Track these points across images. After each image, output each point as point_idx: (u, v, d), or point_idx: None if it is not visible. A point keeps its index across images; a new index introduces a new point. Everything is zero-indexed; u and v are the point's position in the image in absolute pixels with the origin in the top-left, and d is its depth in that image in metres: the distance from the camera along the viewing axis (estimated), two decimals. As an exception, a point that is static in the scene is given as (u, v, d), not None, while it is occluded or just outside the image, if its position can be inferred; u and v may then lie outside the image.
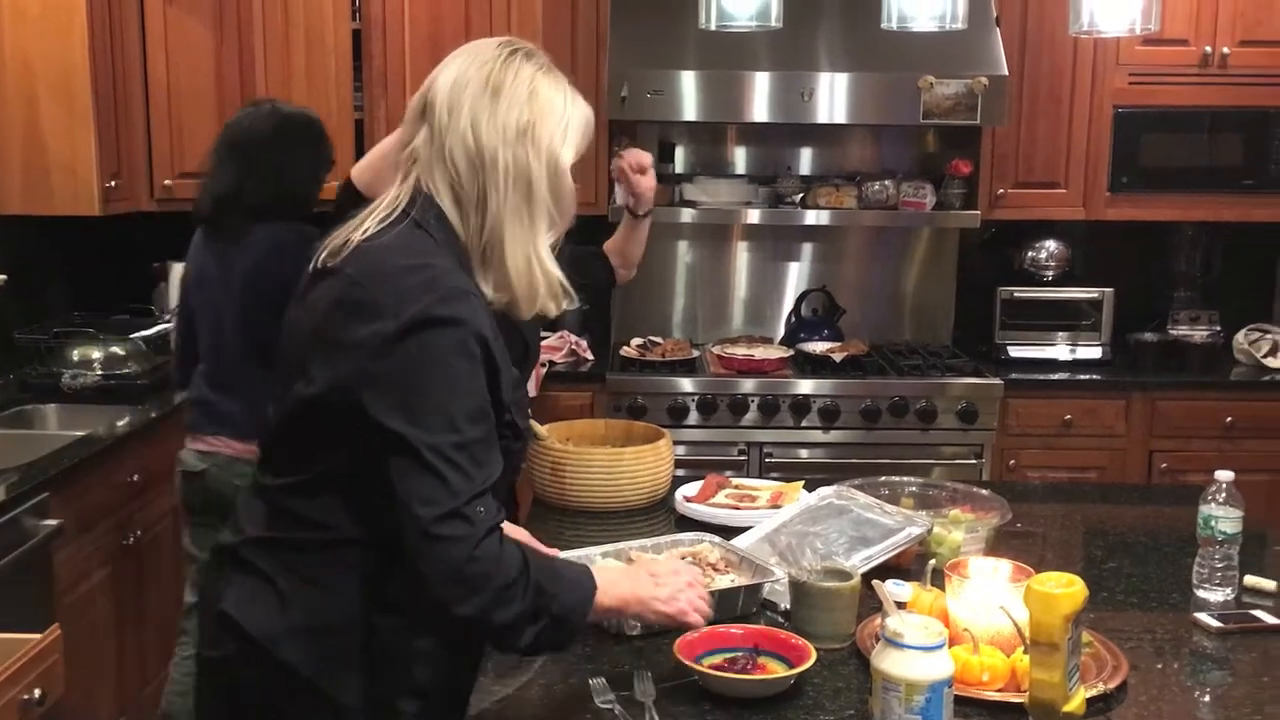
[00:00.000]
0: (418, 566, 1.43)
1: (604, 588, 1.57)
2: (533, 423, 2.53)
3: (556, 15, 4.04)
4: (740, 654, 1.68)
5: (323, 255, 1.54)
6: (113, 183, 3.63)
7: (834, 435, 3.87)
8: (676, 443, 3.74)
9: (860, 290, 4.43)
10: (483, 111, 1.52)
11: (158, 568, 3.30)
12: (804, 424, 3.86)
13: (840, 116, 3.83)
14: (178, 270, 3.87)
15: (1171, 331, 4.18)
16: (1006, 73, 3.79)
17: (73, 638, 2.77)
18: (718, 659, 1.68)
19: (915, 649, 1.44)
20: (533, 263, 1.55)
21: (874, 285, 4.46)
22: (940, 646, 1.45)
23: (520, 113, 1.53)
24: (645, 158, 2.56)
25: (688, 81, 3.79)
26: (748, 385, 3.86)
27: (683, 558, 2.00)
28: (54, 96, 3.49)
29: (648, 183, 2.57)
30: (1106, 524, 2.45)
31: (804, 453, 3.87)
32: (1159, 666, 1.76)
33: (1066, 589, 1.48)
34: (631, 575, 1.69)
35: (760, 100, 3.81)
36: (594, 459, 2.42)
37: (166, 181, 3.92)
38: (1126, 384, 3.94)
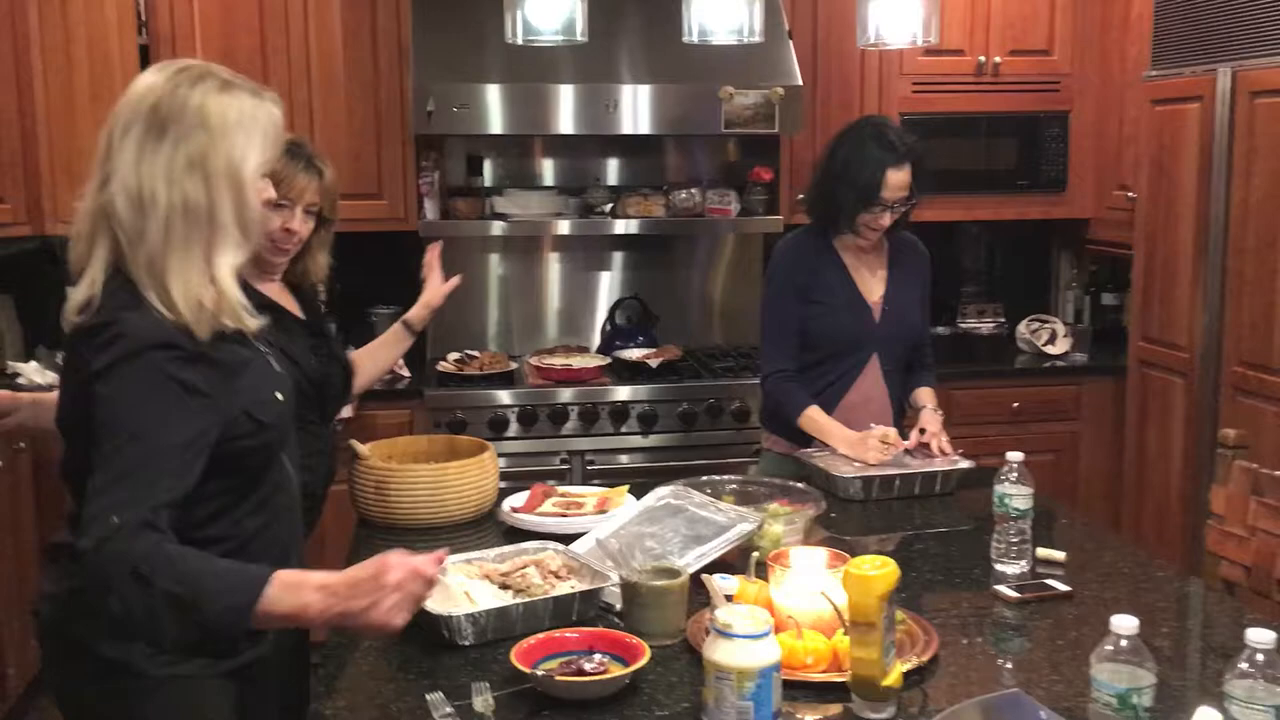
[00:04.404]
0: None
1: (277, 596, 1.54)
2: (353, 442, 2.51)
3: (356, 27, 4.00)
4: (576, 656, 1.71)
5: None
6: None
7: (653, 439, 3.94)
8: (499, 455, 3.76)
9: (672, 297, 4.53)
10: (146, 153, 1.62)
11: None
12: (623, 430, 3.92)
13: (645, 127, 3.92)
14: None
15: (960, 325, 4.44)
16: (801, 83, 3.96)
17: None
18: (555, 663, 1.70)
19: (744, 638, 1.50)
20: (204, 289, 1.62)
21: (685, 291, 4.57)
22: (767, 634, 1.52)
23: (188, 145, 1.62)
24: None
25: (494, 95, 3.81)
26: (566, 394, 3.90)
27: (526, 566, 2.02)
28: None
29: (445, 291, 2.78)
30: (912, 508, 2.59)
31: (625, 458, 3.93)
32: (965, 639, 1.88)
33: (880, 570, 1.57)
34: (327, 588, 1.58)
35: (566, 112, 3.86)
36: (418, 476, 2.41)
37: (-61, 207, 3.68)
38: (943, 375, 4.14)
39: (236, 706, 1.76)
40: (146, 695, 1.67)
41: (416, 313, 2.75)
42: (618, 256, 4.53)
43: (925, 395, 2.96)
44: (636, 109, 3.89)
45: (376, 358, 2.68)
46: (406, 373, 4.05)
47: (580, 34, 2.37)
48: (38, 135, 3.84)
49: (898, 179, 2.77)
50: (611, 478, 3.59)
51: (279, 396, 1.77)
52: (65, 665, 1.72)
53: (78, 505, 1.63)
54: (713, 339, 4.54)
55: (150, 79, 1.67)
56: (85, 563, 1.51)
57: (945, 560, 2.25)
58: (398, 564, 1.59)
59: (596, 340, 4.46)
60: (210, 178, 1.63)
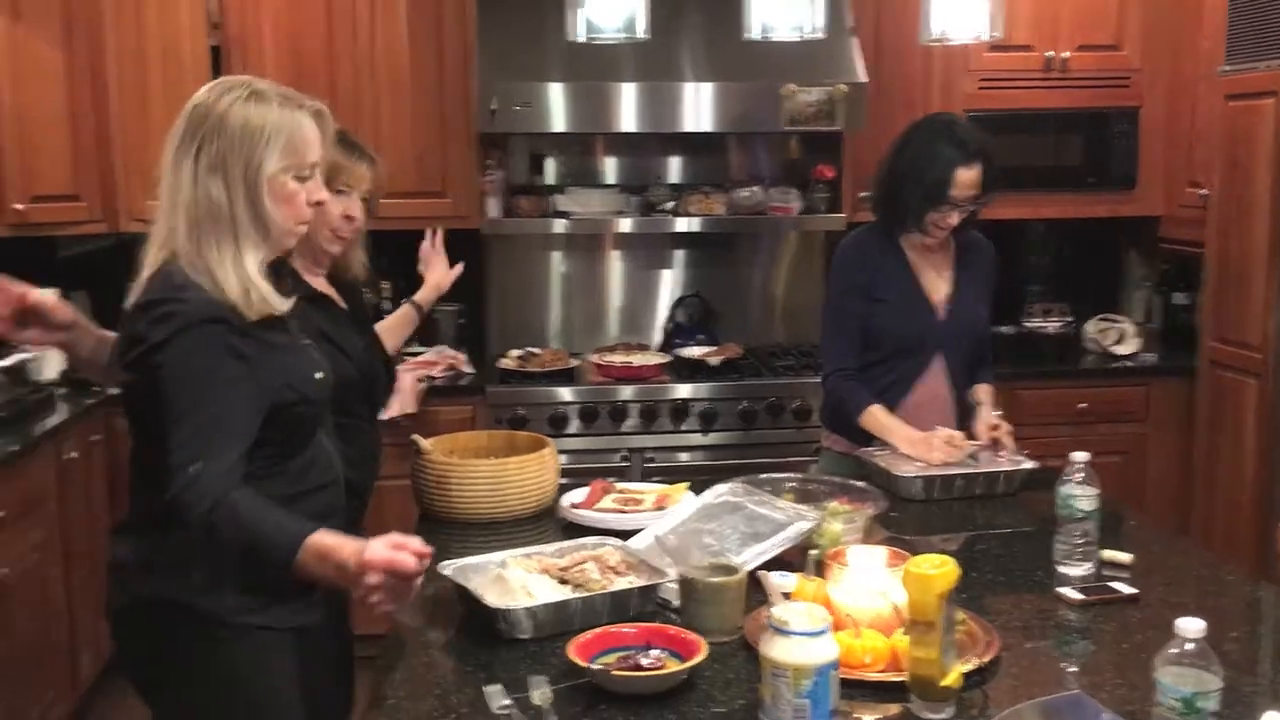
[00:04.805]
0: None
1: (308, 562, 1.74)
2: (416, 437, 2.54)
3: (422, 28, 4.04)
4: (633, 652, 1.72)
5: None
6: (-39, 209, 3.49)
7: (713, 438, 3.94)
8: (560, 451, 3.79)
9: (733, 295, 4.53)
10: (181, 158, 1.80)
11: (26, 606, 3.17)
12: (683, 428, 3.92)
13: (707, 125, 3.92)
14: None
15: (1026, 324, 4.37)
16: (865, 79, 3.93)
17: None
18: (612, 658, 1.71)
19: (801, 635, 1.50)
20: (232, 279, 1.79)
21: (746, 289, 4.56)
22: (824, 631, 1.51)
23: (210, 149, 1.79)
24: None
25: (556, 93, 3.83)
26: (627, 392, 3.91)
27: (585, 561, 2.03)
28: (-106, 120, 3.34)
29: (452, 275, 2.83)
30: (974, 508, 2.56)
31: (684, 456, 3.93)
32: (1027, 640, 1.85)
33: (940, 569, 1.56)
34: (342, 569, 1.75)
35: (628, 110, 3.87)
36: (479, 470, 2.43)
37: (18, 206, 3.77)
38: (1002, 374, 4.09)
39: (293, 663, 1.91)
40: (216, 646, 1.83)
41: (424, 294, 2.84)
42: (679, 254, 4.53)
43: (984, 392, 2.92)
44: (698, 107, 3.89)
45: (387, 339, 2.69)
46: (469, 369, 4.09)
47: (642, 31, 2.37)
48: (111, 136, 3.95)
49: (967, 178, 2.73)
50: (671, 475, 3.58)
51: (318, 376, 1.94)
52: (135, 628, 1.89)
53: (139, 476, 1.89)
54: (774, 337, 4.52)
55: (199, 92, 1.85)
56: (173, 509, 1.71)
57: (1008, 561, 2.22)
58: (381, 562, 1.72)
59: (658, 338, 4.46)
60: (229, 181, 1.79)
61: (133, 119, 3.92)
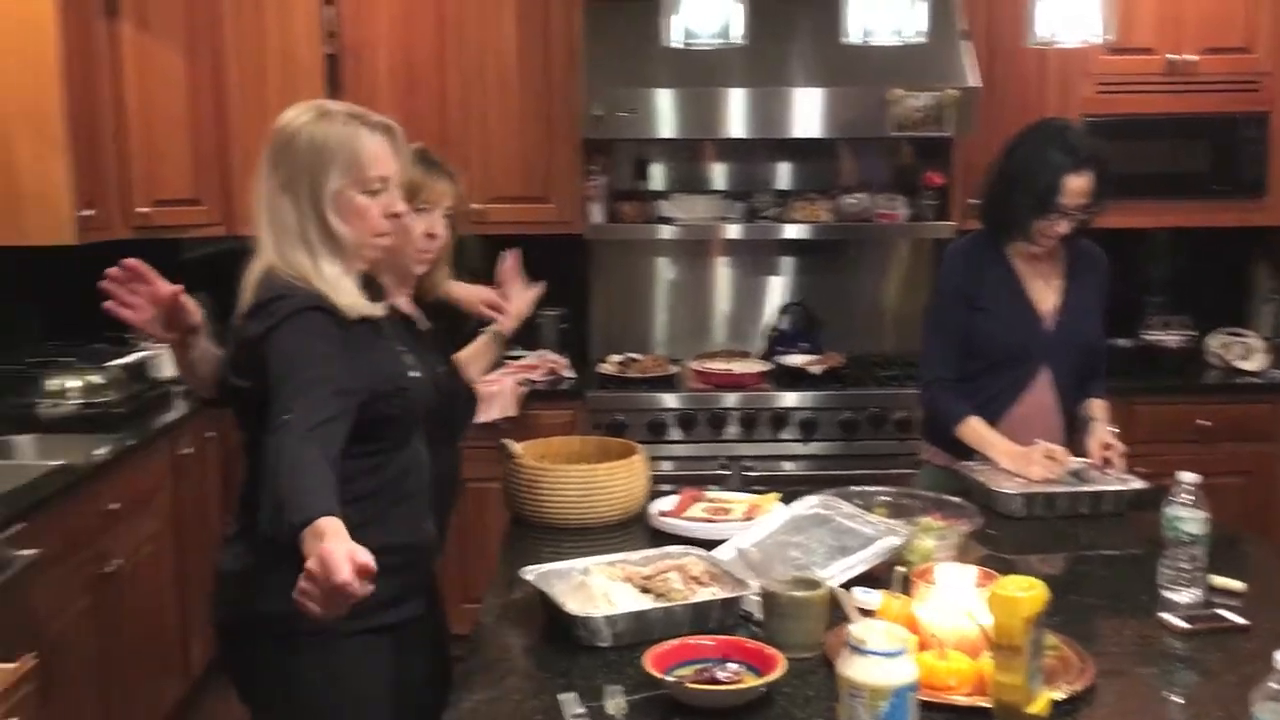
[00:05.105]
0: None
1: (316, 537, 1.57)
2: (507, 441, 2.56)
3: (529, 34, 4.08)
4: (711, 665, 1.69)
5: None
6: (88, 212, 3.63)
7: (813, 447, 3.89)
8: (658, 458, 3.80)
9: (838, 303, 4.46)
10: (262, 178, 1.92)
11: (140, 595, 3.29)
12: (783, 437, 3.88)
13: (812, 130, 3.87)
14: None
15: (1144, 337, 4.22)
16: (975, 84, 3.83)
17: (53, 667, 2.78)
18: (689, 670, 1.69)
19: (878, 654, 1.45)
20: (323, 285, 1.87)
21: (851, 297, 4.49)
22: (903, 652, 1.46)
23: (286, 170, 1.89)
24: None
25: (660, 99, 3.82)
26: (727, 400, 3.88)
27: (668, 571, 2.01)
28: (27, 127, 3.49)
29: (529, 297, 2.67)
30: (1078, 528, 2.46)
31: (784, 465, 3.89)
32: (1126, 668, 1.77)
33: (1027, 592, 1.50)
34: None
35: (733, 116, 3.84)
36: (569, 476, 2.44)
37: (143, 209, 3.92)
38: (1115, 389, 3.96)
39: (389, 664, 1.97)
40: (314, 653, 1.88)
41: (506, 324, 2.65)
42: (784, 261, 4.49)
43: (1097, 407, 2.82)
44: (804, 112, 3.85)
45: (468, 369, 2.63)
46: (570, 373, 4.11)
47: (738, 37, 2.35)
48: (230, 141, 4.07)
49: (1078, 185, 2.64)
50: (770, 484, 3.54)
51: (413, 375, 2.01)
52: (237, 637, 1.96)
53: (249, 488, 1.91)
54: (879, 347, 4.44)
55: (283, 114, 1.95)
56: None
57: (1110, 584, 2.13)
58: (323, 553, 1.52)
59: (760, 345, 4.42)
60: (298, 199, 1.89)
61: (250, 126, 4.04)
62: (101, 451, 3.14)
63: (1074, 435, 2.82)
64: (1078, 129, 2.73)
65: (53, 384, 3.50)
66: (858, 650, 1.47)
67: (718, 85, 3.82)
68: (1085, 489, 2.52)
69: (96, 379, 3.51)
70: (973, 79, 3.83)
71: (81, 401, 3.46)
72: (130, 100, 3.88)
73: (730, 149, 4.43)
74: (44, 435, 3.37)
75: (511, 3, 4.04)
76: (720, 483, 3.81)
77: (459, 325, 2.67)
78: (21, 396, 3.52)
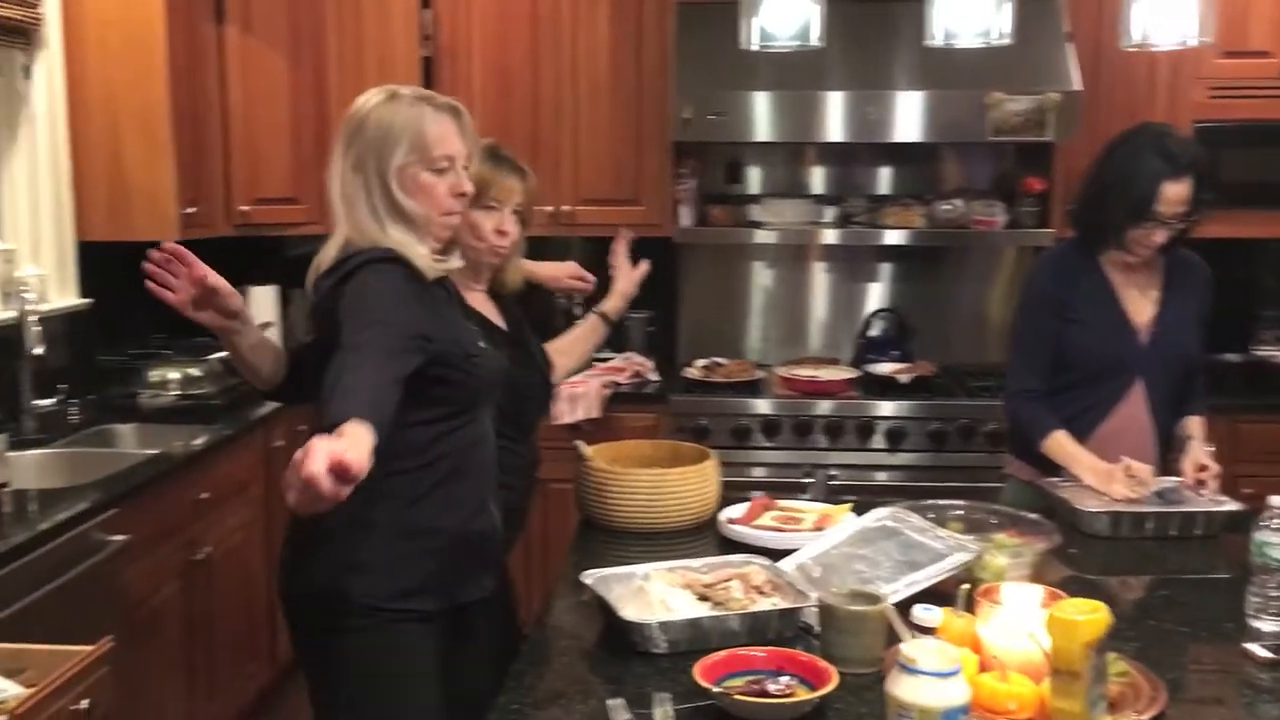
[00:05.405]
0: None
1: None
2: (579, 443, 2.56)
3: (622, 36, 4.07)
4: (763, 676, 1.66)
5: None
6: (191, 209, 3.75)
7: (901, 458, 3.81)
8: (741, 465, 3.77)
9: (932, 311, 4.37)
10: (336, 159, 1.99)
11: (228, 583, 3.38)
12: (870, 446, 3.81)
13: (907, 134, 3.80)
14: (255, 294, 4.01)
15: (1256, 352, 4.04)
16: (1079, 87, 3.72)
17: (140, 650, 2.87)
18: (740, 681, 1.66)
19: (929, 675, 1.41)
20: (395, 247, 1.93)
21: (945, 305, 4.40)
22: (955, 673, 1.42)
23: (356, 149, 1.96)
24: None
25: (750, 102, 3.79)
26: (812, 407, 3.83)
27: (730, 579, 1.99)
28: (135, 127, 3.63)
29: (636, 277, 2.72)
30: (1166, 550, 2.37)
31: (873, 475, 3.81)
32: (1202, 697, 1.69)
33: (1089, 615, 1.44)
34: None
35: (825, 120, 3.79)
36: (637, 480, 2.43)
37: (244, 208, 4.04)
38: (1216, 406, 3.80)
39: (440, 649, 1.99)
40: (369, 631, 1.93)
41: (613, 304, 2.71)
42: (876, 268, 4.41)
43: (1194, 425, 2.70)
44: (900, 116, 3.78)
45: (573, 351, 2.69)
46: (655, 376, 4.10)
47: (816, 39, 2.31)
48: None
49: (1175, 193, 2.54)
50: (856, 494, 3.48)
51: (482, 344, 2.04)
52: (299, 612, 2.02)
53: None
54: (972, 357, 4.33)
55: (356, 100, 2.02)
56: None
57: (1194, 610, 2.03)
58: (310, 447, 1.47)
59: (850, 353, 4.35)
60: (367, 177, 1.95)
61: (349, 126, 4.11)
62: (196, 442, 3.24)
63: (1170, 454, 2.71)
64: (1178, 134, 2.62)
65: (154, 376, 3.62)
66: (907, 669, 1.43)
67: (810, 88, 3.77)
68: (1175, 510, 2.42)
69: (195, 371, 3.62)
70: (1075, 82, 3.72)
71: (180, 393, 3.57)
72: (234, 102, 4.00)
73: (822, 153, 4.37)
74: (144, 425, 3.48)
75: (605, 3, 4.05)
76: (805, 491, 3.78)
77: (547, 314, 2.70)
78: (126, 387, 3.64)
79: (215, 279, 2.00)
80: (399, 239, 1.94)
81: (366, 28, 4.11)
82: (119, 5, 3.57)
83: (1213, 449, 2.63)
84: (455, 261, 2.07)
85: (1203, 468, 2.56)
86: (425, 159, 1.95)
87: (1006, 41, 2.30)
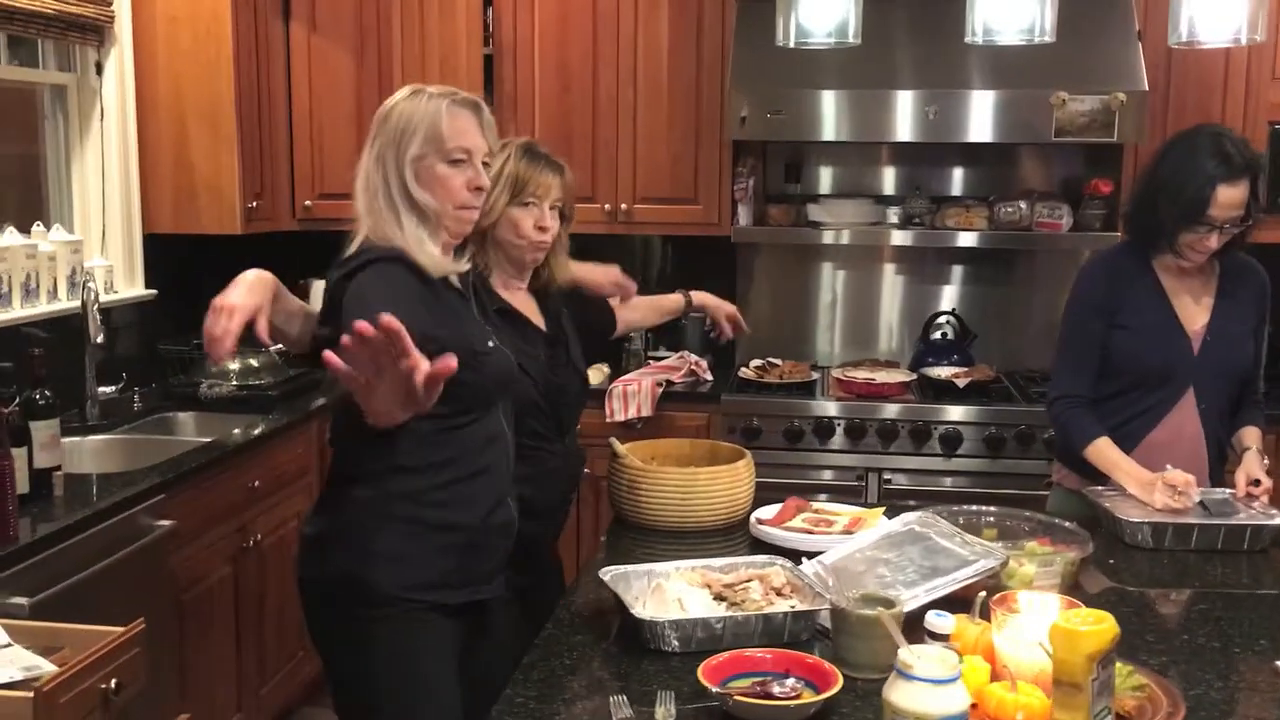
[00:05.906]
0: None
1: None
2: (613, 440, 2.57)
3: (682, 35, 4.06)
4: (769, 678, 1.65)
5: None
6: (255, 203, 3.83)
7: (956, 463, 3.75)
8: (793, 466, 3.74)
9: (993, 314, 4.29)
10: (363, 154, 2.01)
11: (279, 571, 3.44)
12: (924, 450, 3.75)
13: (968, 135, 3.73)
14: (318, 287, 4.08)
15: (1324, 362, 3.88)
16: (1145, 87, 3.62)
17: (192, 634, 2.94)
18: (745, 683, 1.65)
19: (925, 681, 1.39)
20: (407, 242, 1.95)
21: (1007, 309, 4.31)
22: (953, 680, 1.39)
23: (379, 142, 1.99)
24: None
25: (810, 101, 3.75)
26: (867, 410, 3.78)
27: (749, 580, 1.98)
28: (202, 122, 3.72)
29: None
30: (1211, 563, 2.29)
31: (927, 480, 3.75)
32: (1224, 714, 1.63)
33: (1093, 627, 1.40)
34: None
35: (886, 119, 3.73)
36: (668, 479, 2.42)
37: (307, 202, 4.12)
38: (1276, 417, 3.68)
39: (459, 643, 2.01)
40: (385, 621, 1.94)
41: (703, 294, 2.90)
42: (937, 270, 4.34)
43: (1251, 436, 2.62)
44: (960, 116, 3.71)
45: (640, 307, 2.78)
46: (709, 376, 4.08)
47: (853, 36, 2.28)
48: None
49: (1230, 196, 2.46)
50: (909, 499, 3.45)
51: (490, 344, 2.04)
52: (316, 599, 2.05)
53: (335, 458, 2.04)
54: (1037, 362, 4.22)
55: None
56: None
57: (1230, 625, 1.97)
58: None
59: (908, 355, 4.29)
60: (386, 168, 1.98)
61: (411, 123, 4.17)
62: (251, 431, 3.31)
63: (1226, 465, 2.62)
64: (1234, 136, 2.54)
65: (215, 366, 3.71)
66: (903, 675, 1.41)
67: (871, 87, 3.72)
68: (1220, 522, 2.34)
69: (253, 362, 3.70)
70: (1142, 82, 3.62)
71: (239, 383, 3.65)
72: (299, 98, 4.08)
73: (882, 154, 4.32)
74: (202, 413, 3.57)
75: (665, 1, 4.04)
76: (858, 495, 3.74)
77: (601, 324, 2.73)
78: (187, 376, 3.74)
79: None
80: (412, 233, 1.96)
81: (429, 25, 4.15)
82: (187, 3, 3.67)
83: (1268, 462, 2.54)
84: (464, 264, 2.07)
85: (1256, 481, 2.47)
86: (441, 151, 1.97)
87: (1048, 39, 2.24)
